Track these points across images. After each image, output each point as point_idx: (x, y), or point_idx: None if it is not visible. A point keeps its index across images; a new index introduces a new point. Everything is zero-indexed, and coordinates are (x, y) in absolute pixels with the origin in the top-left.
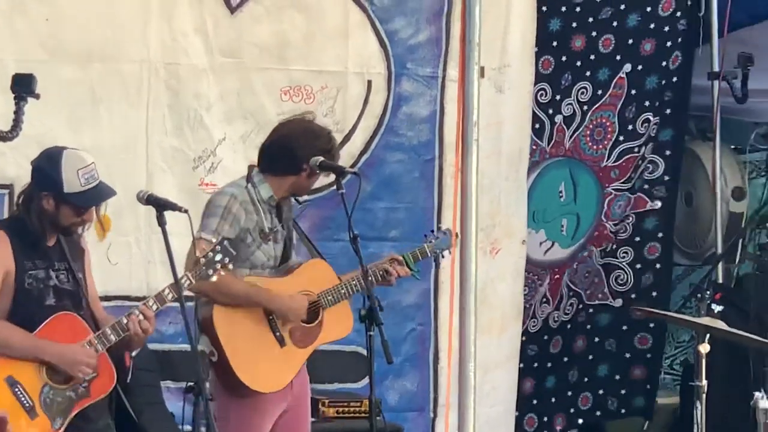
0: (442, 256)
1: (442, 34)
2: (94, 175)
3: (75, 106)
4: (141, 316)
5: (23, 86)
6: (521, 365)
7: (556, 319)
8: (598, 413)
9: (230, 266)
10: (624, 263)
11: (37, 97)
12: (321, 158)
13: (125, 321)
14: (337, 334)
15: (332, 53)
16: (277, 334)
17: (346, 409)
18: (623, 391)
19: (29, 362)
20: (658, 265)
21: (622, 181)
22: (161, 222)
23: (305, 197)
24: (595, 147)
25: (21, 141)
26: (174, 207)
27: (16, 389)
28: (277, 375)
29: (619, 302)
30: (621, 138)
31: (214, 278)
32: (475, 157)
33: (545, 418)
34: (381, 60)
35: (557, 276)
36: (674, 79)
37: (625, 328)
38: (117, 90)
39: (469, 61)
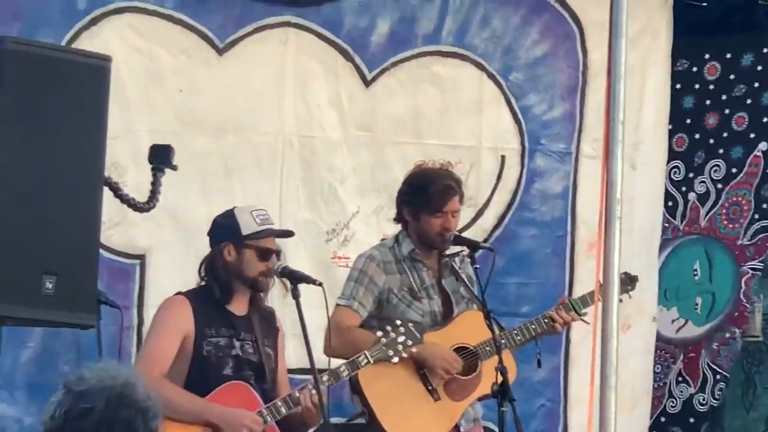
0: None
1: (576, 110)
2: (269, 219)
3: (208, 177)
4: (313, 390)
5: (161, 157)
6: None
7: (703, 401)
8: None
9: (414, 350)
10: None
11: (175, 168)
12: (455, 233)
13: (297, 394)
14: None
15: (466, 128)
16: (430, 387)
17: None
18: None
19: (197, 427)
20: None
21: (758, 260)
22: (296, 295)
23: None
24: (731, 226)
25: (153, 211)
26: (309, 280)
27: None
28: (430, 429)
29: None
30: (756, 216)
31: (395, 359)
32: (617, 234)
33: None
34: (515, 135)
35: (692, 355)
36: None
37: None
38: (251, 161)
39: (613, 138)
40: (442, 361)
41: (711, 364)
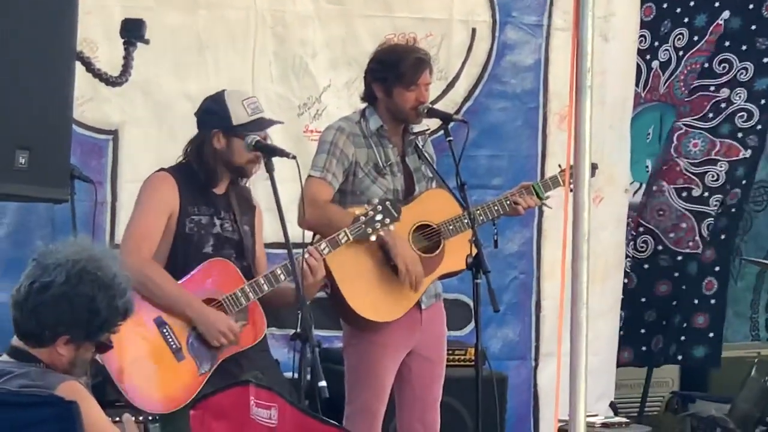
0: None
1: None
2: (259, 107)
3: (180, 52)
4: (308, 256)
5: (133, 31)
6: None
7: (628, 254)
8: (662, 358)
9: (391, 227)
10: (715, 212)
11: (147, 42)
12: (428, 105)
13: (278, 272)
14: (459, 264)
15: (437, 1)
16: (392, 263)
17: (451, 357)
18: (683, 338)
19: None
20: (734, 210)
21: (695, 117)
22: (269, 168)
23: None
24: (686, 91)
25: (126, 87)
26: (282, 153)
27: (164, 330)
28: (392, 305)
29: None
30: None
31: (373, 238)
32: (588, 103)
33: None
34: (486, 8)
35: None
36: None
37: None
38: (223, 36)
39: (583, 8)
40: (407, 264)
41: (638, 219)
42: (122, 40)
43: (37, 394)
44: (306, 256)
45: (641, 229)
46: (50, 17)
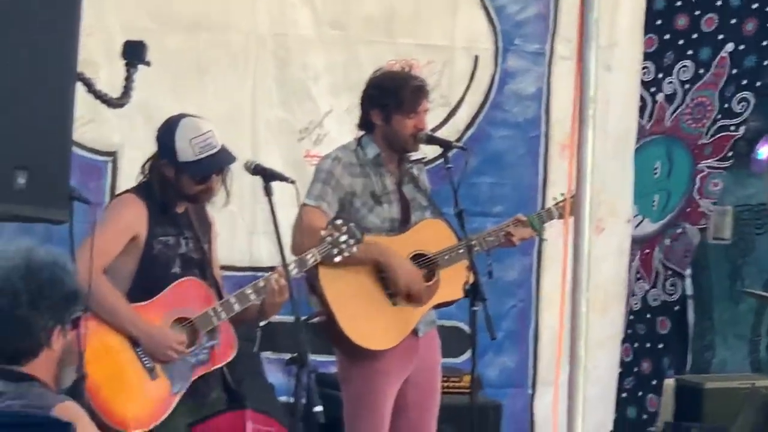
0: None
1: (550, 11)
2: (211, 143)
3: (180, 75)
4: (277, 278)
5: (134, 53)
6: (636, 345)
7: (656, 298)
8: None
9: (355, 249)
10: None
11: (148, 64)
12: (428, 132)
13: (249, 291)
14: (453, 294)
15: (439, 28)
16: (389, 291)
17: (446, 384)
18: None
19: (122, 337)
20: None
21: (717, 158)
22: (268, 192)
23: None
24: (694, 125)
25: (125, 109)
26: (282, 178)
27: (138, 349)
28: (388, 333)
29: None
30: (719, 116)
31: (338, 259)
32: (591, 132)
33: None
34: (488, 35)
35: (647, 251)
36: None
37: None
38: (223, 60)
39: (587, 37)
40: (408, 281)
41: (664, 261)
42: (123, 62)
43: (35, 414)
44: (275, 276)
45: (669, 272)
46: (52, 38)
